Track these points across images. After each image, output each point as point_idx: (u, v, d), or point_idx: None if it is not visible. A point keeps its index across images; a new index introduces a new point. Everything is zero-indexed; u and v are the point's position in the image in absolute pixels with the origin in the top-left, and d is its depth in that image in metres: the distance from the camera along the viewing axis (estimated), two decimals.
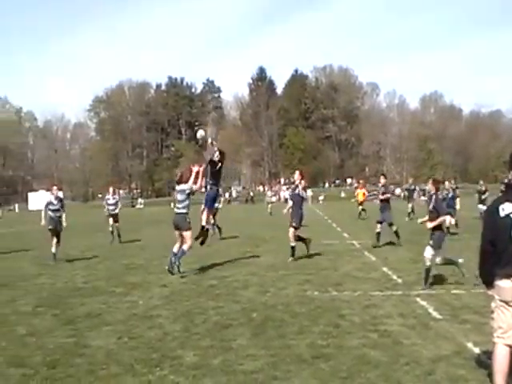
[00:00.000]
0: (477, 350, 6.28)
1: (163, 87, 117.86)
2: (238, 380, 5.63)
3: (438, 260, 10.20)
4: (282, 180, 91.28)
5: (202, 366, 6.09)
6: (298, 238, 14.37)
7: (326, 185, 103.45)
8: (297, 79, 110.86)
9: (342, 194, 76.09)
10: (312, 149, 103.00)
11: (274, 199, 67.51)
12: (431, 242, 10.16)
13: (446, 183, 20.23)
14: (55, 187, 15.93)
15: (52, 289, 11.21)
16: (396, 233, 16.71)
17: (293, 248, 14.16)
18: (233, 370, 5.89)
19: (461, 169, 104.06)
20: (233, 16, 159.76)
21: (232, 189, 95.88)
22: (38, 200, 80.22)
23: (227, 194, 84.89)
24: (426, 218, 10.53)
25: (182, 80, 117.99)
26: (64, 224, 15.45)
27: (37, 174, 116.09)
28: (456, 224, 19.58)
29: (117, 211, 20.72)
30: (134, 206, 78.93)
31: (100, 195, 77.38)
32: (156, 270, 13.08)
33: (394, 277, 11.25)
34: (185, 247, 12.30)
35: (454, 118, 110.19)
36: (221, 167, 13.10)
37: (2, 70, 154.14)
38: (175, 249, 12.42)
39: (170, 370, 5.98)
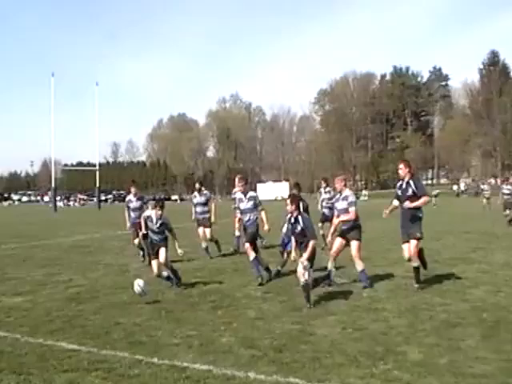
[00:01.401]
0: None
1: (388, 77, 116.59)
2: (467, 383, 5.33)
3: None
4: None
5: (427, 364, 5.88)
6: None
7: None
8: None
9: None
10: None
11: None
12: None
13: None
14: (240, 180, 12.20)
15: (280, 275, 11.68)
16: None
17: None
18: (461, 372, 5.59)
19: None
20: None
21: (460, 181, 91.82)
22: (267, 191, 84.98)
23: (455, 187, 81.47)
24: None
25: (408, 69, 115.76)
26: None
27: (265, 166, 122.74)
28: None
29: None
30: (358, 198, 79.52)
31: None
32: (382, 262, 12.96)
33: None
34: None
35: None
36: None
37: (272, 68, 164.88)
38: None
39: (393, 364, 5.88)
